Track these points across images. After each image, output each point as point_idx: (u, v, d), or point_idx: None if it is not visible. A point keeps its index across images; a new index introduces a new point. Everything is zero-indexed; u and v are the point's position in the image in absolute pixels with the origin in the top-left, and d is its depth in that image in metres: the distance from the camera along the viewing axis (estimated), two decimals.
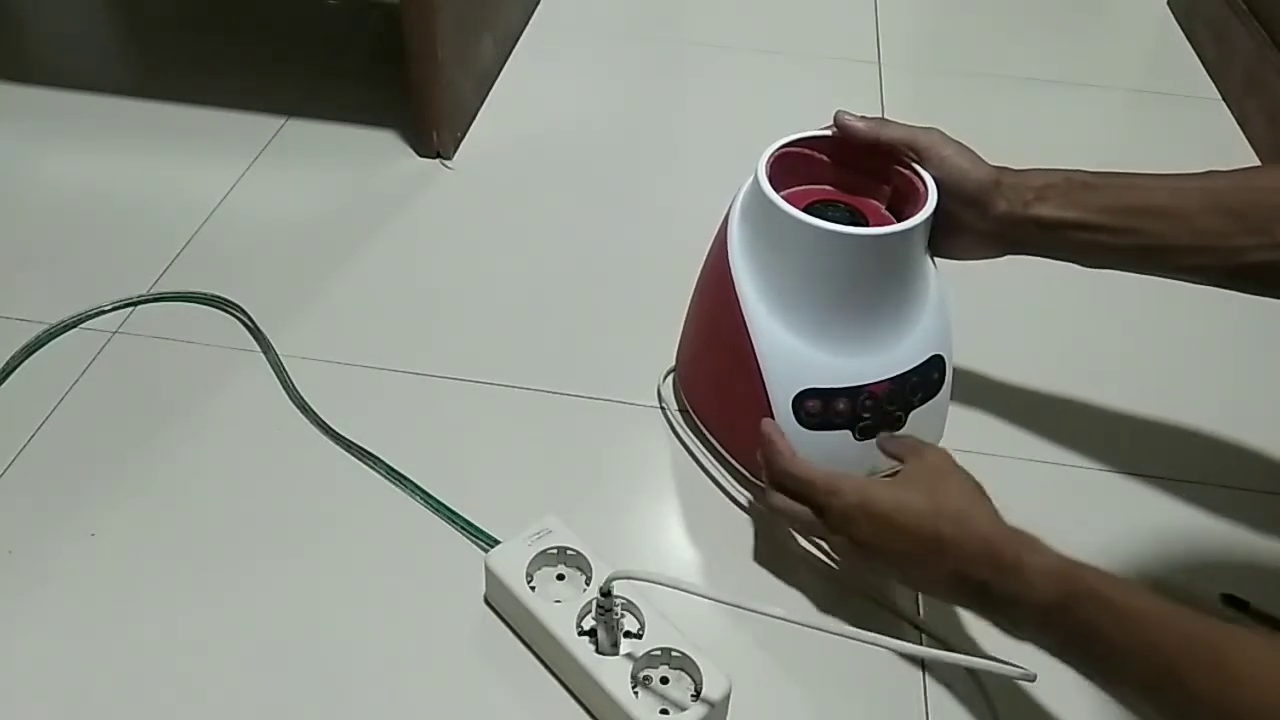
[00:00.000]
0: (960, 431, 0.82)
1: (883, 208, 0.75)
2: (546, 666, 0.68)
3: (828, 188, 0.76)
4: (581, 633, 0.66)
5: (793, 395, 0.73)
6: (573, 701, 0.66)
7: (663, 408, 0.86)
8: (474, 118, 1.18)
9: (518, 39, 1.33)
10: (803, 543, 0.76)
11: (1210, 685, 0.50)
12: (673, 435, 0.84)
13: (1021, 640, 0.60)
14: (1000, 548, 0.60)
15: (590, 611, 0.65)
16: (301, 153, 1.12)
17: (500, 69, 1.27)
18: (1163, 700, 0.52)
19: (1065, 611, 0.56)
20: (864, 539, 0.65)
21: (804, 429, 0.73)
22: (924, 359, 0.75)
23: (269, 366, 0.87)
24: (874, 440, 0.75)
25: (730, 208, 0.76)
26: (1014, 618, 0.60)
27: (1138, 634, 0.53)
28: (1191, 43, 1.44)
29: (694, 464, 0.82)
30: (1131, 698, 0.56)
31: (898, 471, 0.69)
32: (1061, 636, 0.57)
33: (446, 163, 1.12)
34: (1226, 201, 0.67)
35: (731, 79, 1.31)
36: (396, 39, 1.05)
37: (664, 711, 0.63)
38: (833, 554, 0.75)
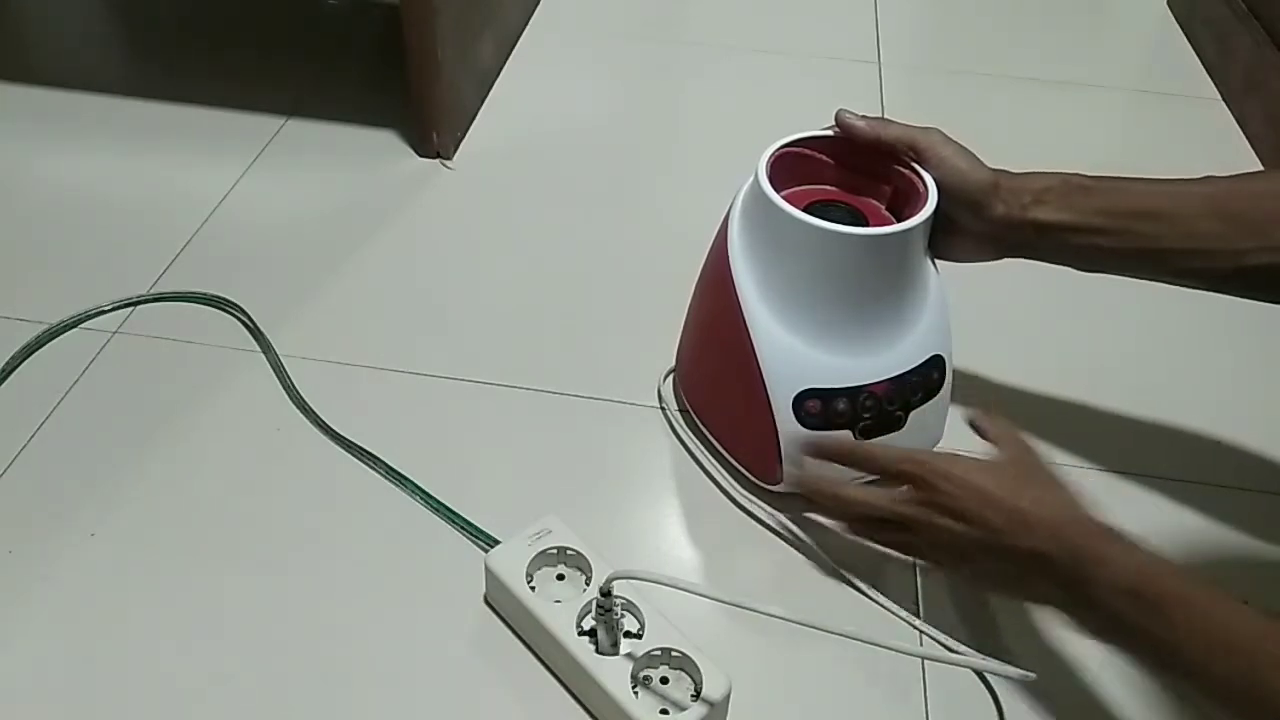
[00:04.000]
0: (960, 431, 0.82)
1: (883, 208, 0.75)
2: (546, 666, 0.68)
3: (828, 188, 0.77)
4: (581, 633, 0.66)
5: (793, 395, 0.73)
6: (573, 701, 0.66)
7: (663, 408, 0.86)
8: (474, 118, 1.18)
9: (518, 39, 1.33)
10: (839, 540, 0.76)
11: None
12: (673, 435, 0.84)
13: (1087, 632, 0.61)
14: (1087, 531, 0.60)
15: (590, 611, 0.65)
16: (301, 153, 1.12)
17: (500, 69, 1.27)
18: (1230, 695, 0.53)
19: (1140, 601, 0.56)
20: (950, 506, 0.64)
21: (804, 429, 0.73)
22: (924, 359, 0.75)
23: (269, 366, 0.87)
24: (874, 441, 0.75)
25: (730, 208, 0.76)
26: (1090, 602, 0.59)
27: (1209, 631, 0.54)
28: (1191, 43, 1.44)
29: (694, 464, 0.82)
30: (1195, 691, 0.56)
31: None
32: (1132, 627, 0.57)
33: (446, 163, 1.12)
34: (1225, 205, 0.67)
35: (731, 79, 1.31)
36: (396, 39, 1.05)
37: (664, 711, 0.63)
38: (907, 548, 0.72)
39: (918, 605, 0.73)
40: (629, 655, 0.64)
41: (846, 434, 0.73)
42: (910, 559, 0.73)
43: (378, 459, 0.80)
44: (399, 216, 1.04)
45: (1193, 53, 1.42)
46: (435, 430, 0.83)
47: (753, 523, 0.78)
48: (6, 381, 0.84)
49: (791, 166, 0.75)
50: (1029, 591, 0.65)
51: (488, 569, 0.69)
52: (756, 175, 0.72)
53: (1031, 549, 0.61)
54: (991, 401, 0.77)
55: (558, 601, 0.67)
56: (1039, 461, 0.67)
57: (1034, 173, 0.71)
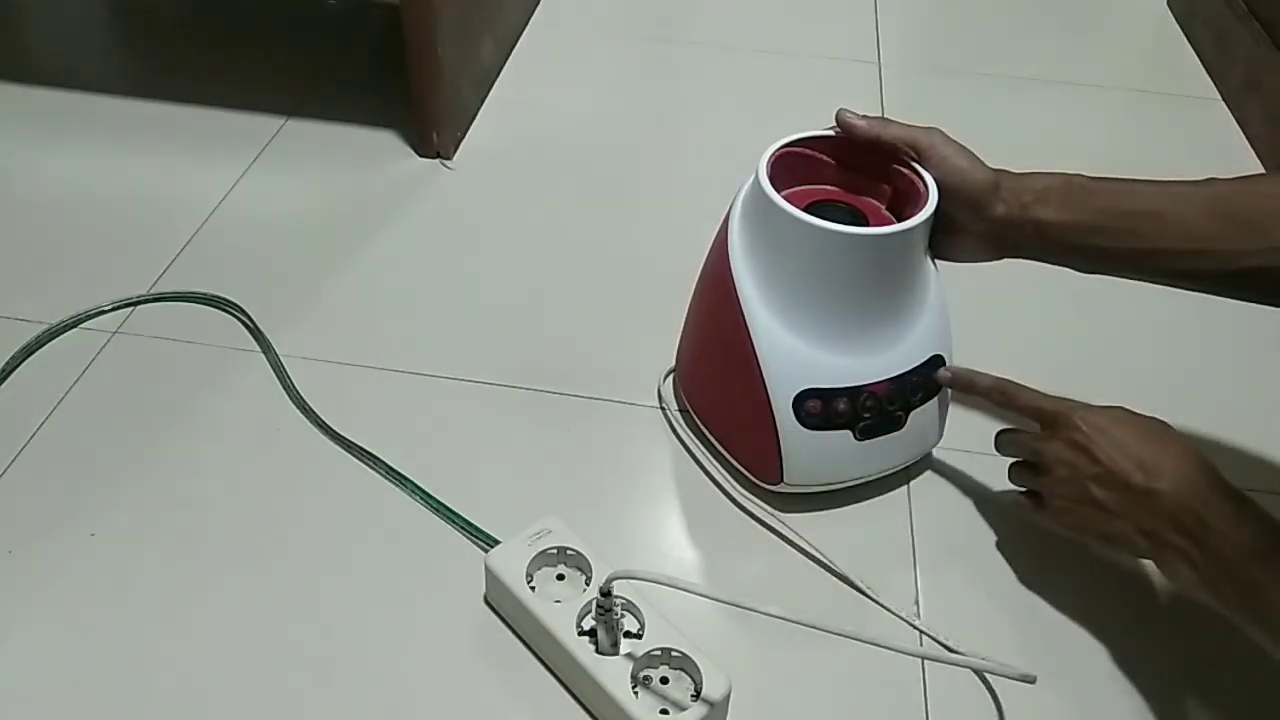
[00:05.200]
0: (960, 431, 0.82)
1: (883, 208, 0.75)
2: (546, 666, 0.68)
3: (828, 188, 0.77)
4: (581, 633, 0.66)
5: (793, 395, 0.73)
6: (573, 701, 0.66)
7: (663, 408, 0.86)
8: (474, 118, 1.18)
9: (518, 39, 1.33)
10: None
11: None
12: (673, 435, 0.84)
13: (1191, 586, 0.62)
14: (1218, 484, 0.63)
15: (590, 611, 0.65)
16: (301, 153, 1.12)
17: (500, 69, 1.27)
18: None
19: (1268, 560, 0.58)
20: (1084, 445, 0.66)
21: (804, 429, 0.73)
22: (924, 359, 0.75)
23: (269, 366, 0.87)
24: (874, 441, 0.75)
25: (730, 208, 0.76)
26: (1210, 554, 0.60)
27: None
28: (1191, 43, 1.44)
29: (694, 464, 0.82)
30: None
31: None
32: (1250, 584, 0.58)
33: (446, 163, 1.12)
34: (1225, 206, 0.67)
35: (732, 79, 1.31)
36: (396, 39, 1.05)
37: (664, 711, 0.63)
38: (1032, 498, 0.74)
39: (918, 605, 0.73)
40: (629, 655, 0.64)
41: (988, 374, 0.76)
42: (1029, 514, 0.74)
43: (378, 459, 0.80)
44: (399, 216, 1.04)
45: (1193, 53, 1.42)
46: (435, 430, 0.83)
47: (753, 523, 0.78)
48: (6, 381, 0.84)
49: (792, 166, 0.75)
50: (1138, 538, 0.65)
51: (488, 569, 0.69)
52: (757, 175, 0.72)
53: (1157, 490, 0.63)
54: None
55: (558, 601, 0.67)
56: (1170, 428, 0.68)
57: (1035, 173, 0.71)
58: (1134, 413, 0.69)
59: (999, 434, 0.76)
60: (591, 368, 0.89)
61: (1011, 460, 0.75)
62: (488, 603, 0.71)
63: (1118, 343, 0.96)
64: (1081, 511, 0.68)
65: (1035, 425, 0.73)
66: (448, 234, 1.03)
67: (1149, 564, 0.75)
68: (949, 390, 0.78)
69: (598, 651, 0.65)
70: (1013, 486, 0.76)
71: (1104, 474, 0.66)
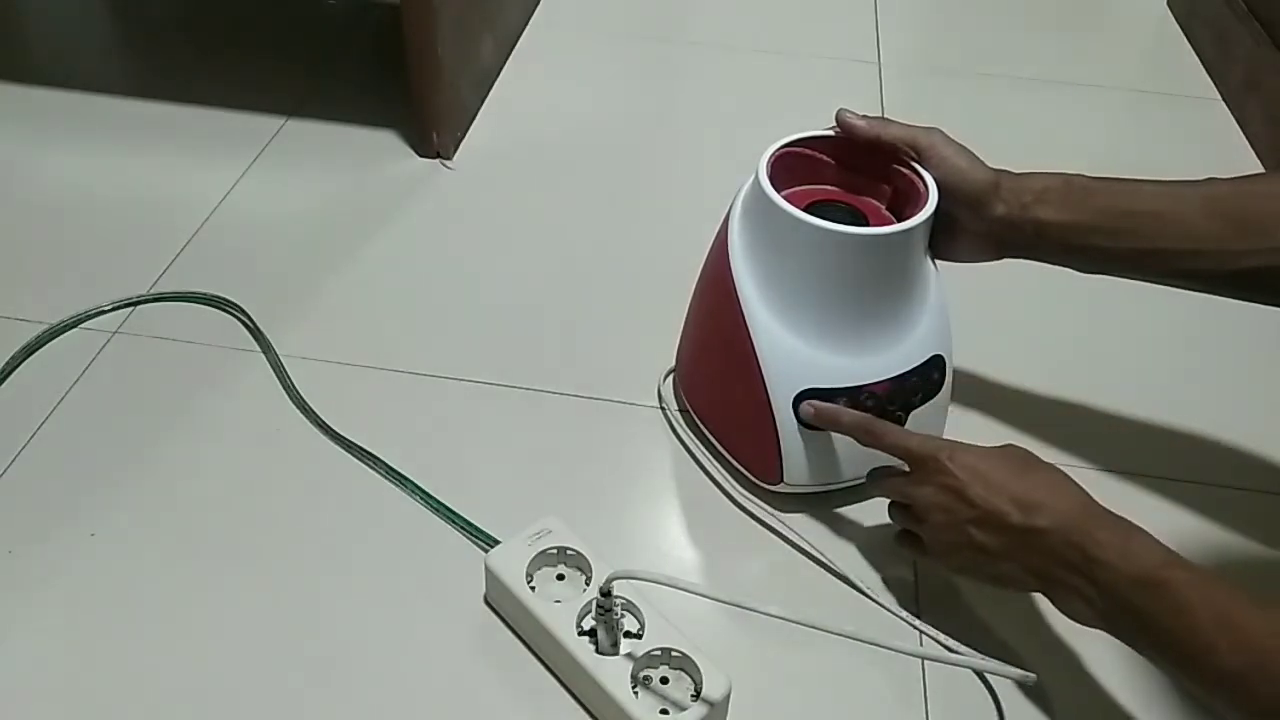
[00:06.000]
0: (960, 431, 0.82)
1: (883, 208, 0.75)
2: (546, 666, 0.68)
3: (828, 188, 0.77)
4: (581, 633, 0.66)
5: (793, 395, 0.73)
6: (573, 701, 0.66)
7: (663, 408, 0.86)
8: (474, 118, 1.18)
9: (518, 39, 1.33)
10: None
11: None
12: (673, 435, 0.84)
13: (1084, 618, 0.61)
14: (1095, 515, 0.61)
15: (590, 611, 0.65)
16: (301, 153, 1.12)
17: (500, 69, 1.27)
18: (1233, 687, 0.54)
19: (1149, 587, 0.57)
20: (955, 487, 0.65)
21: (804, 429, 0.73)
22: (924, 359, 0.75)
23: (269, 366, 0.87)
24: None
25: (730, 208, 0.76)
26: (1096, 585, 0.59)
27: (1217, 622, 0.54)
28: (1191, 43, 1.44)
29: (694, 464, 0.82)
30: (1192, 681, 0.56)
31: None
32: (1138, 613, 0.57)
33: (446, 163, 1.12)
34: (1225, 206, 0.67)
35: (732, 79, 1.31)
36: (396, 39, 1.05)
37: (664, 711, 0.63)
38: (911, 539, 0.71)
39: (918, 605, 0.73)
40: (629, 655, 0.64)
41: (852, 411, 0.73)
42: (912, 554, 0.72)
43: (378, 459, 0.80)
44: (399, 216, 1.04)
45: (1193, 53, 1.42)
46: (435, 430, 0.83)
47: (753, 523, 0.78)
48: (6, 381, 0.84)
49: (792, 166, 0.75)
50: (1028, 577, 0.64)
51: (488, 569, 0.69)
52: (757, 175, 0.72)
53: (1039, 528, 0.61)
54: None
55: (558, 601, 0.67)
56: (1036, 456, 0.67)
57: (1035, 173, 0.71)
58: (1001, 448, 0.67)
59: (870, 472, 0.74)
60: (591, 368, 0.89)
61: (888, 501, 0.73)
62: (488, 603, 0.71)
63: (1118, 343, 0.96)
64: (965, 555, 0.66)
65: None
66: (448, 234, 1.03)
67: None
68: (949, 391, 0.78)
69: (598, 651, 0.65)
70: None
71: (981, 516, 0.64)
